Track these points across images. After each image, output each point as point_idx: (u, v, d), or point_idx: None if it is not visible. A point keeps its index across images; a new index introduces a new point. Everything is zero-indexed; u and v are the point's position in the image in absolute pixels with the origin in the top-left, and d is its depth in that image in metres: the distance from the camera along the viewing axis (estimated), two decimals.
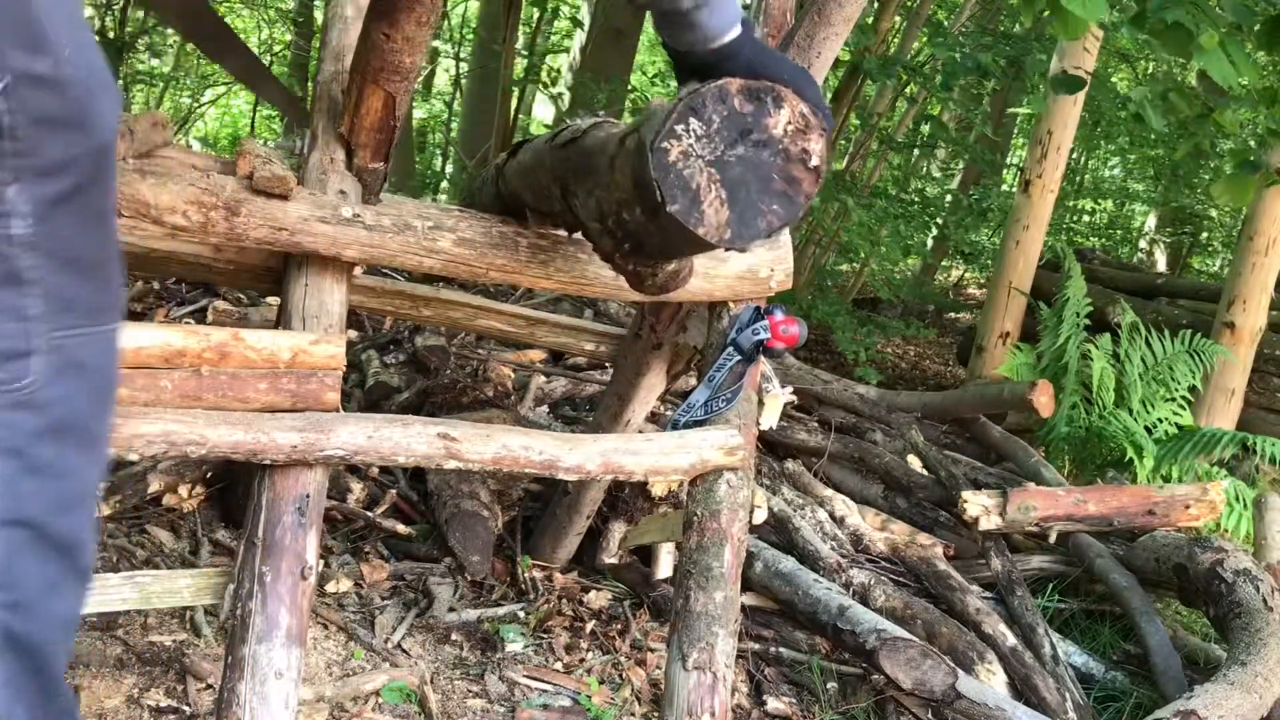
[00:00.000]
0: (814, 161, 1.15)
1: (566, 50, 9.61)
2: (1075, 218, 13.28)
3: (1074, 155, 10.12)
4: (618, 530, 2.91)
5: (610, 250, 1.40)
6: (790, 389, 2.14)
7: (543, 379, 3.85)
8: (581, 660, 2.51)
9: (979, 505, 3.07)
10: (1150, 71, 8.93)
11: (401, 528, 2.85)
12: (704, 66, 1.29)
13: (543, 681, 2.38)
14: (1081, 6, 2.58)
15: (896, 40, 7.59)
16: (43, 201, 0.93)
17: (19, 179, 0.91)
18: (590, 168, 1.32)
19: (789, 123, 1.14)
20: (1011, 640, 2.67)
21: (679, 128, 1.11)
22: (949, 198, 9.65)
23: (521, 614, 2.63)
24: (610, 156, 1.23)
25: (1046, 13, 2.92)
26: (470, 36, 9.51)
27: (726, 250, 1.18)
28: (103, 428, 1.07)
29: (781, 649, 2.67)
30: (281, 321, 1.76)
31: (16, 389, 0.96)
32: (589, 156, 1.33)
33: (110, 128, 0.99)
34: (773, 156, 1.14)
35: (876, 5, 6.92)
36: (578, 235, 1.85)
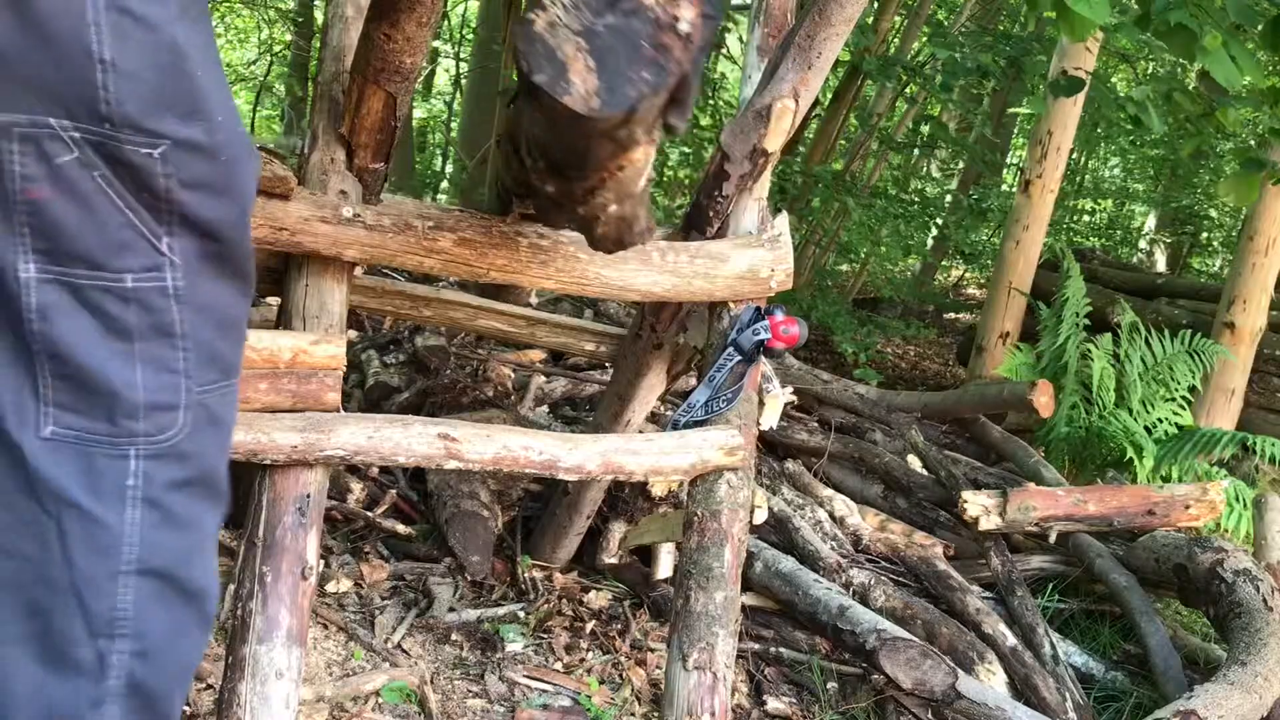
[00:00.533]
0: (684, 28, 1.12)
1: None
2: (1075, 218, 13.29)
3: (1074, 155, 10.12)
4: (618, 530, 2.91)
5: (536, 182, 1.38)
6: (790, 389, 2.14)
7: (543, 379, 3.85)
8: (581, 660, 2.51)
9: (979, 505, 3.07)
10: (1150, 71, 8.93)
11: (401, 528, 2.85)
12: None
13: (543, 681, 2.38)
14: (1089, 8, 2.58)
15: (896, 40, 7.59)
16: (192, 258, 0.97)
17: (173, 233, 0.95)
18: (519, 111, 1.31)
19: None
20: (1011, 640, 2.67)
21: None
22: (949, 198, 9.66)
23: (521, 614, 2.63)
24: None
25: (1053, 15, 2.91)
26: (470, 36, 9.52)
27: (595, 114, 1.13)
28: (225, 480, 1.10)
29: (781, 649, 2.67)
30: (282, 322, 1.76)
31: (161, 441, 0.99)
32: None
33: (251, 193, 1.03)
34: (642, 24, 1.11)
35: (876, 5, 6.93)
36: (575, 235, 1.85)
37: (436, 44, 10.13)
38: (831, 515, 3.30)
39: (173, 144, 0.92)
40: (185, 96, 0.92)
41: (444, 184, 9.43)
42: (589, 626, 2.63)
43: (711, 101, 8.75)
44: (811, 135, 7.77)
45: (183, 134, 0.93)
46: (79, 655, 0.99)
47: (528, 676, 2.39)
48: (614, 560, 2.89)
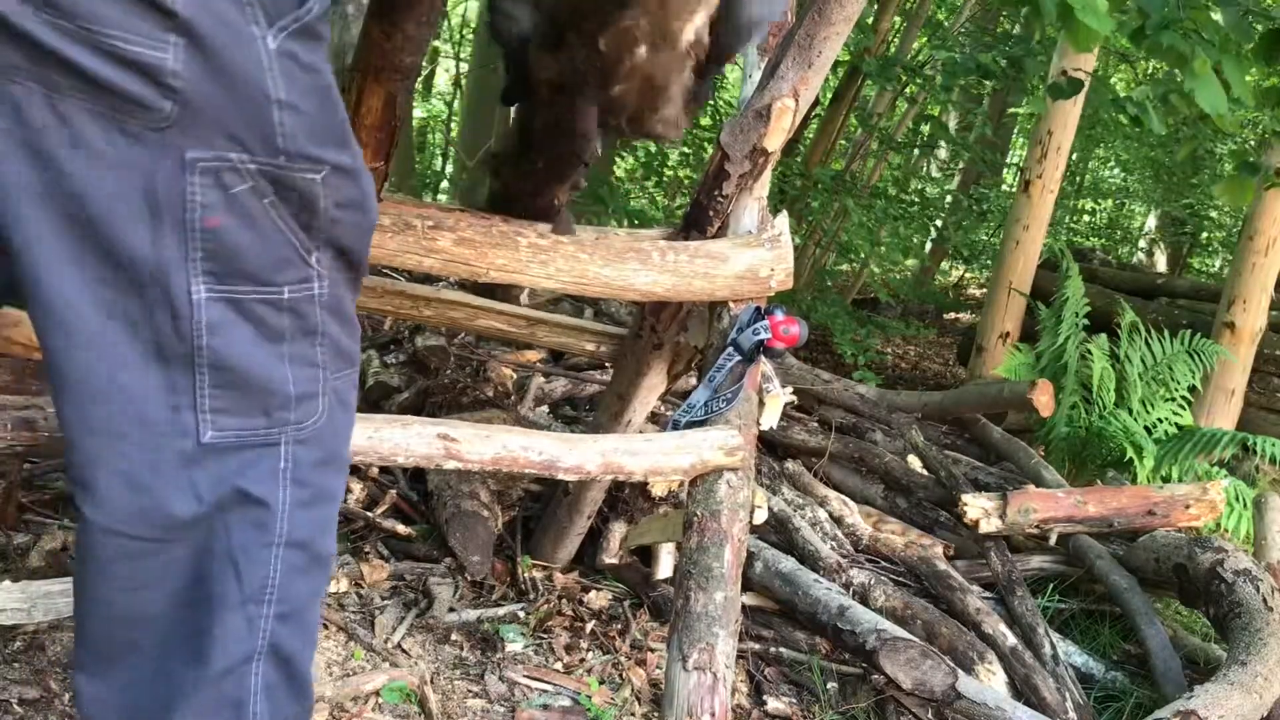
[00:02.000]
0: None
1: None
2: (1075, 218, 13.29)
3: (1074, 155, 10.12)
4: (618, 530, 2.91)
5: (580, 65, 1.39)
6: (790, 389, 2.14)
7: (543, 379, 3.84)
8: (581, 660, 2.51)
9: (979, 508, 3.07)
10: (1150, 72, 8.93)
11: (401, 528, 2.85)
12: None
13: (543, 681, 2.38)
14: (1095, 19, 2.59)
15: (896, 41, 7.59)
16: (332, 266, 1.12)
17: (321, 248, 1.10)
18: None
19: None
20: (1011, 640, 2.67)
21: None
22: (948, 198, 9.66)
23: (521, 614, 2.63)
24: None
25: (1053, 32, 2.92)
26: (470, 36, 9.52)
27: None
28: (348, 455, 1.26)
29: (781, 649, 2.67)
30: None
31: (306, 426, 1.13)
32: None
33: (376, 207, 1.18)
34: None
35: (876, 6, 6.92)
36: (574, 235, 1.85)
37: (436, 44, 10.13)
38: (831, 515, 3.30)
39: (331, 169, 1.06)
40: (338, 128, 1.08)
41: (444, 184, 9.43)
42: (589, 626, 2.63)
43: (711, 101, 8.75)
44: (811, 135, 7.77)
45: (337, 159, 1.07)
46: (233, 620, 1.12)
47: (528, 676, 2.39)
48: (614, 560, 2.89)
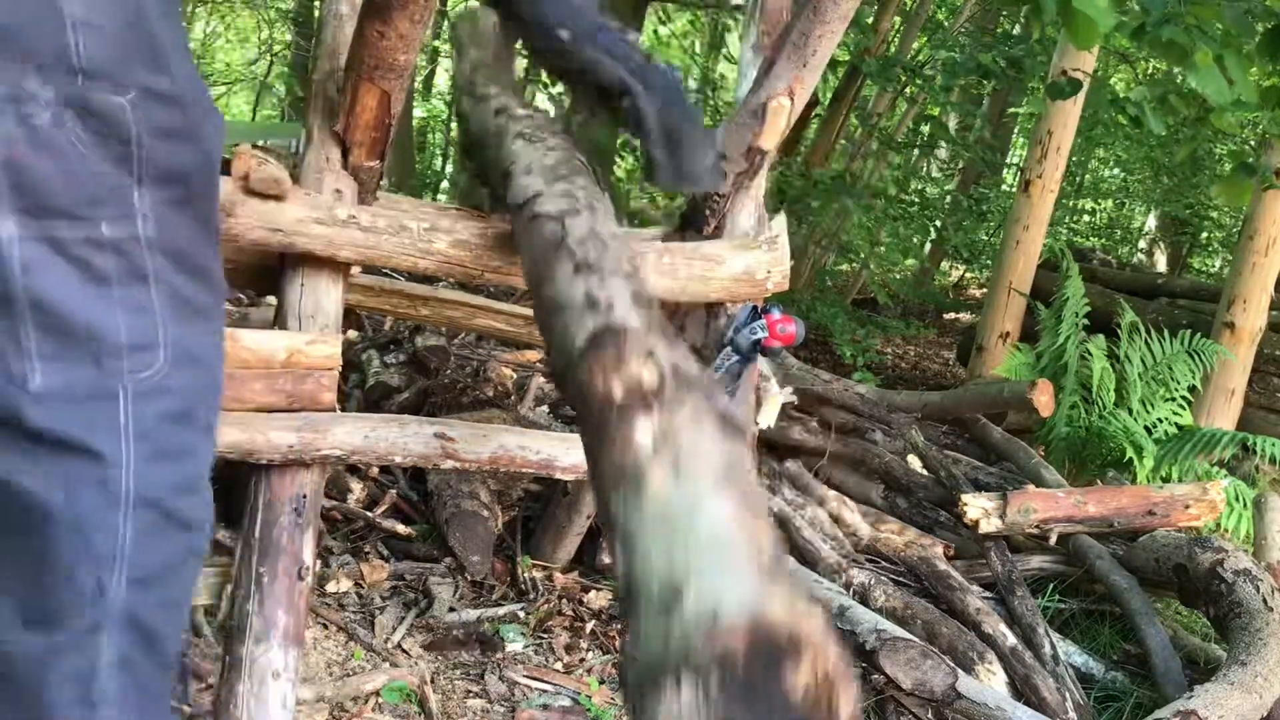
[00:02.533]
0: None
1: None
2: (1075, 218, 13.28)
3: (1074, 156, 10.12)
4: None
5: None
6: (790, 389, 2.14)
7: (543, 379, 3.84)
8: (581, 660, 2.51)
9: (979, 508, 3.06)
10: (1150, 72, 8.93)
11: (401, 528, 2.85)
12: None
13: (543, 681, 2.38)
14: (1095, 10, 2.58)
15: (896, 40, 7.59)
16: (161, 205, 1.05)
17: (143, 183, 1.03)
18: None
19: None
20: (1011, 640, 2.66)
21: None
22: (948, 198, 9.66)
23: (521, 614, 2.62)
24: None
25: (1057, 24, 2.91)
26: None
27: None
28: (214, 417, 1.18)
29: None
30: (278, 322, 1.76)
31: (145, 377, 1.06)
32: None
33: (216, 147, 1.11)
34: None
35: (876, 6, 6.92)
36: None
37: (436, 44, 10.13)
38: (831, 515, 3.30)
39: (140, 92, 0.99)
40: (150, 49, 1.00)
41: (444, 184, 9.43)
42: (589, 626, 2.63)
43: (711, 102, 8.74)
44: (811, 136, 7.77)
45: (150, 82, 1.00)
46: (80, 583, 1.05)
47: (528, 676, 2.38)
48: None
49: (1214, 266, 11.88)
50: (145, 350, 1.05)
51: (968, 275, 11.68)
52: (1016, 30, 7.52)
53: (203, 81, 1.10)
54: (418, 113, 10.75)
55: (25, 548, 1.05)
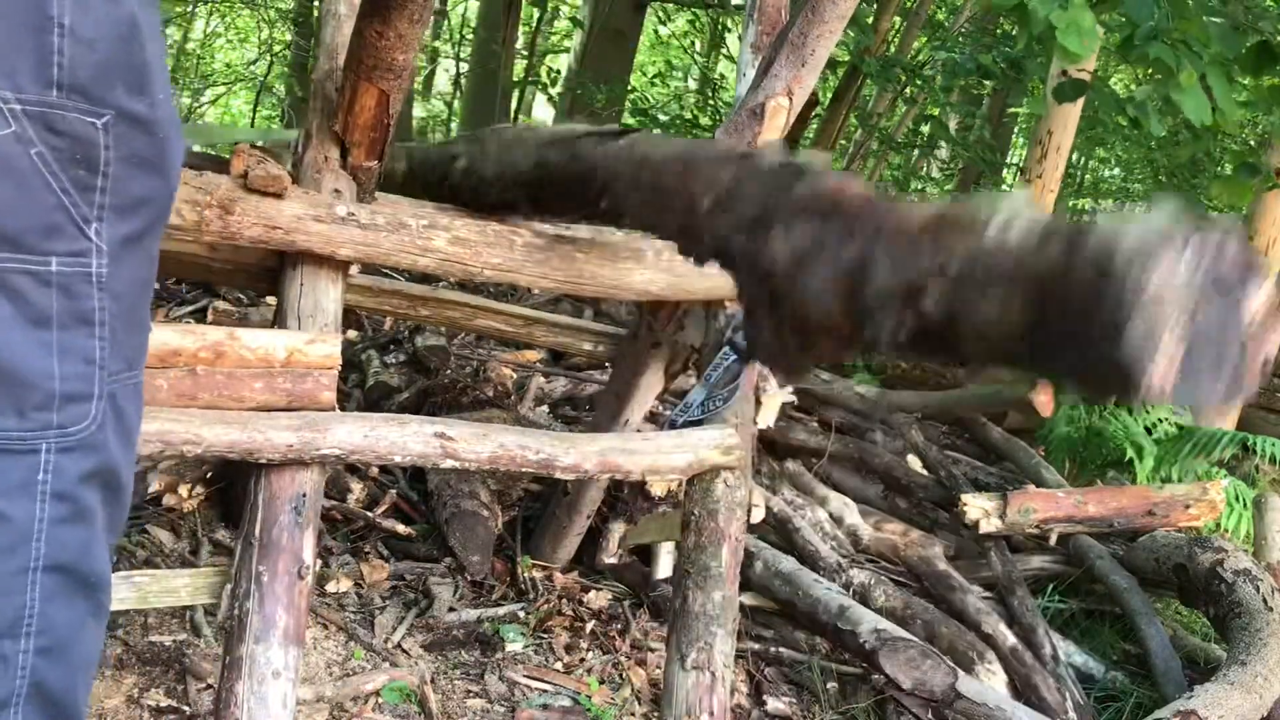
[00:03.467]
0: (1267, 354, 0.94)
1: (567, 50, 9.62)
2: (1075, 218, 13.26)
3: (1074, 155, 10.11)
4: (617, 530, 2.91)
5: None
6: (789, 389, 2.13)
7: (542, 379, 3.84)
8: (581, 660, 2.51)
9: (979, 508, 3.06)
10: (1150, 72, 8.92)
11: (401, 528, 2.85)
12: None
13: (543, 681, 2.38)
14: (1077, 42, 2.59)
15: (896, 40, 7.59)
16: (116, 242, 0.94)
17: (103, 218, 0.92)
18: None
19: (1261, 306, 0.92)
20: (1011, 640, 2.66)
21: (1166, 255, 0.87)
22: (948, 199, 9.64)
23: (521, 614, 2.62)
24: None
25: (1047, 38, 2.91)
26: (470, 36, 9.52)
27: (1150, 395, 0.93)
28: (130, 474, 1.06)
29: (781, 649, 2.67)
30: (278, 321, 1.76)
31: (73, 433, 0.95)
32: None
33: (179, 172, 1.01)
34: (1236, 342, 0.92)
35: (876, 6, 6.92)
36: (571, 234, 1.85)
37: (436, 44, 10.14)
38: (831, 515, 3.29)
39: (116, 115, 0.90)
40: (135, 70, 0.91)
41: None
42: (589, 626, 2.63)
43: (711, 102, 8.75)
44: (811, 136, 7.77)
45: (128, 106, 0.91)
46: None
47: (528, 676, 2.38)
48: (614, 560, 2.89)
49: None
50: (78, 402, 0.94)
51: None
52: (1017, 30, 7.51)
53: (173, 105, 1.01)
54: (417, 112, 10.75)
55: None
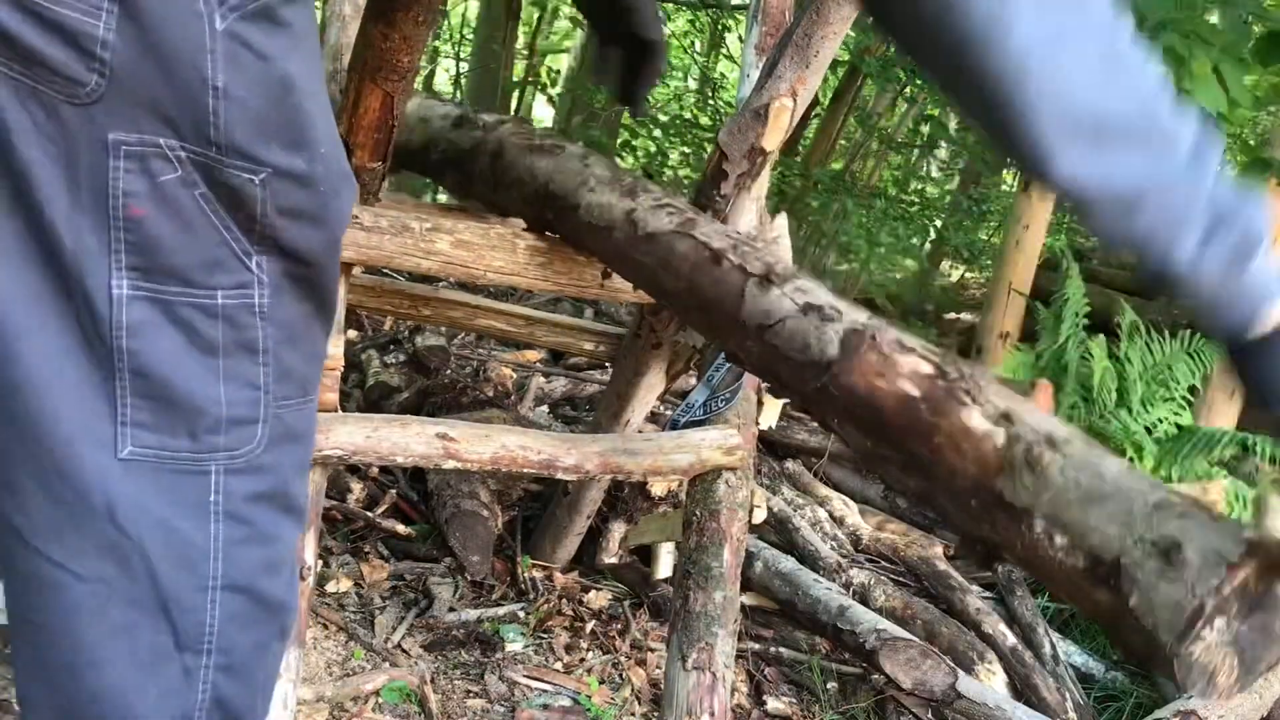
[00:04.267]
0: None
1: (567, 50, 9.62)
2: (1076, 218, 13.27)
3: None
4: (618, 530, 2.91)
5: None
6: None
7: (543, 379, 3.85)
8: (581, 660, 2.51)
9: None
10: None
11: (401, 528, 2.85)
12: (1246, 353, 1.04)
13: (543, 681, 2.38)
14: None
15: None
16: (280, 276, 0.98)
17: (264, 253, 0.96)
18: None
19: None
20: (1011, 640, 2.67)
21: (1204, 629, 0.89)
22: (948, 199, 9.66)
23: (521, 614, 2.63)
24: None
25: None
26: (470, 36, 9.52)
27: (1225, 693, 0.96)
28: (304, 496, 1.11)
29: (781, 649, 2.67)
30: None
31: (240, 455, 1.00)
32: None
33: (344, 223, 1.05)
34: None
35: None
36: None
37: (436, 44, 10.13)
38: (832, 515, 3.30)
39: (274, 172, 0.93)
40: (291, 127, 0.94)
41: None
42: (589, 626, 2.63)
43: (711, 102, 8.74)
44: (811, 136, 7.78)
45: (285, 163, 0.94)
46: (167, 671, 1.00)
47: (528, 676, 2.39)
48: (614, 560, 2.89)
49: None
50: (244, 426, 1.00)
51: (968, 275, 11.68)
52: None
53: (343, 150, 1.04)
54: None
55: None
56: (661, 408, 3.47)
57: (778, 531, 3.02)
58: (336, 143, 1.02)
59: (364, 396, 3.43)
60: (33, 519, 0.95)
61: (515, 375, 3.80)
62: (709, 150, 1.94)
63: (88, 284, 0.91)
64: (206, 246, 0.93)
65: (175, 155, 0.90)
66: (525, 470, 1.73)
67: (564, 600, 2.72)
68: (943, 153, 10.96)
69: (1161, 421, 4.66)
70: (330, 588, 2.55)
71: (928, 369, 1.03)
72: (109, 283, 0.91)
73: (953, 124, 7.18)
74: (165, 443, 0.96)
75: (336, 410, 1.67)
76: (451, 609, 2.59)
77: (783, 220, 2.05)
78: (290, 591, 1.10)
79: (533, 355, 3.99)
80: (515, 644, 2.49)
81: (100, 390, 0.94)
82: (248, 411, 0.99)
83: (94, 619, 0.97)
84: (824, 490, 3.48)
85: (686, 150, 7.98)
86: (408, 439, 1.64)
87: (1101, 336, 4.85)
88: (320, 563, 2.56)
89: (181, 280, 0.93)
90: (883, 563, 3.13)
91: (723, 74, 9.85)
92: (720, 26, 9.33)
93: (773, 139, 1.85)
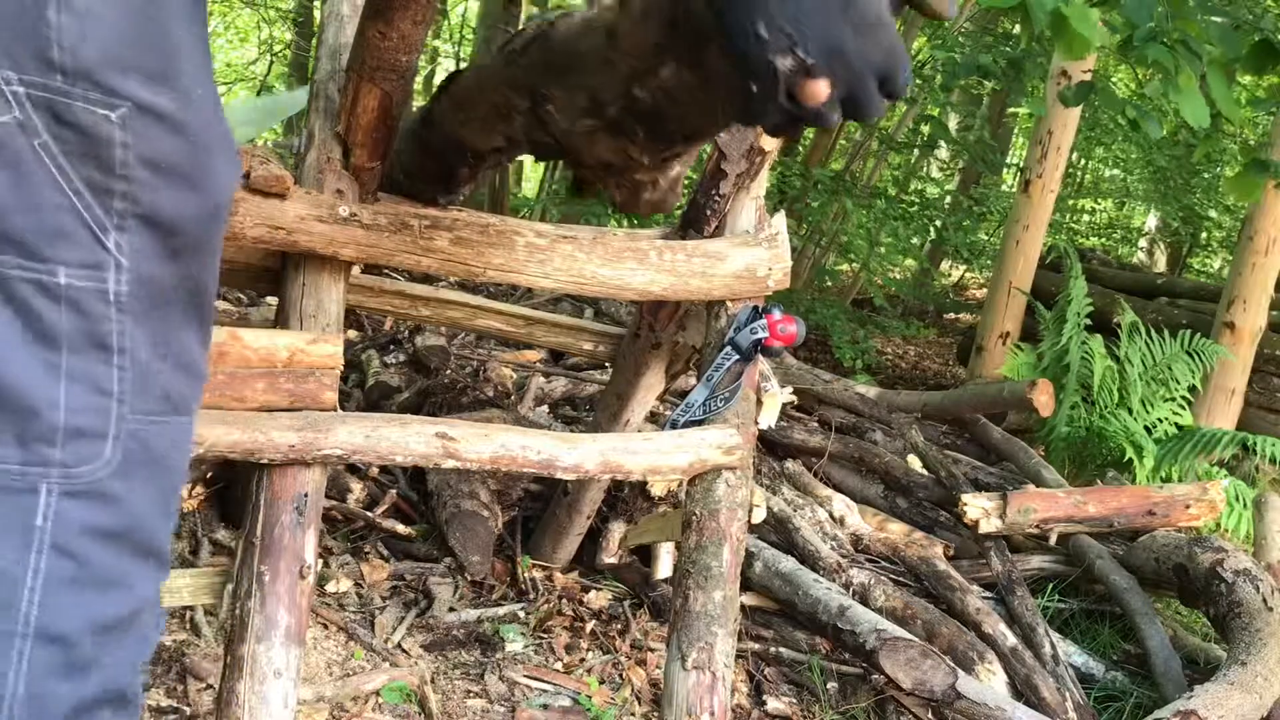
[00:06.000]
0: None
1: None
2: (1075, 218, 13.29)
3: (1074, 155, 10.12)
4: (617, 530, 2.91)
5: (611, 149, 1.18)
6: (790, 389, 2.13)
7: (542, 379, 3.85)
8: (581, 660, 2.51)
9: (979, 508, 3.06)
10: (1150, 73, 8.93)
11: (401, 528, 2.85)
12: None
13: (543, 681, 2.38)
14: (1089, 29, 2.58)
15: None
16: (143, 258, 0.82)
17: (123, 227, 0.80)
18: (575, 58, 1.12)
19: None
20: (1011, 640, 2.66)
21: None
22: (948, 199, 9.66)
23: (521, 614, 2.63)
24: (608, 29, 1.01)
25: (1048, 34, 2.89)
26: (470, 36, 9.52)
27: None
28: (165, 539, 0.90)
29: (781, 649, 2.67)
30: (279, 321, 1.76)
31: (79, 475, 0.81)
32: (571, 45, 1.13)
33: (226, 195, 0.87)
34: None
35: None
36: (572, 234, 1.85)
37: (436, 43, 10.13)
38: (831, 515, 3.30)
39: (134, 107, 0.77)
40: (155, 53, 0.78)
41: None
42: (589, 626, 2.63)
43: None
44: (811, 135, 7.77)
45: (147, 98, 0.78)
46: None
47: (528, 676, 2.39)
48: (614, 560, 2.89)
49: (1214, 266, 11.88)
50: (88, 439, 0.81)
51: (968, 275, 11.68)
52: (1017, 30, 7.51)
53: (222, 113, 0.86)
54: None
55: None
56: (661, 408, 3.47)
57: (778, 531, 3.02)
58: (213, 94, 0.85)
59: (364, 396, 3.43)
60: None
61: (515, 375, 3.80)
62: (709, 150, 1.94)
63: None
64: (48, 211, 0.76)
65: (11, 91, 0.73)
66: (525, 470, 1.73)
67: (564, 600, 2.72)
68: (943, 153, 10.96)
69: (1161, 421, 4.67)
70: (330, 588, 2.55)
71: None
72: None
73: (953, 124, 7.18)
74: None
75: (336, 410, 1.67)
76: (451, 609, 2.59)
77: (781, 217, 2.05)
78: (131, 670, 0.88)
79: (533, 355, 3.99)
80: (515, 644, 2.49)
81: None
82: (93, 422, 0.81)
83: None
84: (824, 490, 3.48)
85: None
86: (407, 438, 1.64)
87: (1100, 336, 4.85)
88: (320, 563, 2.55)
89: (19, 250, 0.76)
90: (883, 563, 3.13)
91: None
92: None
93: (771, 139, 1.85)
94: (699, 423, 1.88)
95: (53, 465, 0.80)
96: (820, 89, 0.74)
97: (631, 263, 1.88)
